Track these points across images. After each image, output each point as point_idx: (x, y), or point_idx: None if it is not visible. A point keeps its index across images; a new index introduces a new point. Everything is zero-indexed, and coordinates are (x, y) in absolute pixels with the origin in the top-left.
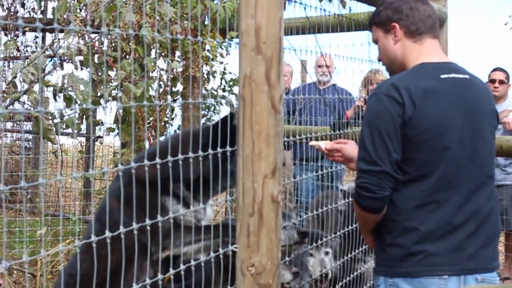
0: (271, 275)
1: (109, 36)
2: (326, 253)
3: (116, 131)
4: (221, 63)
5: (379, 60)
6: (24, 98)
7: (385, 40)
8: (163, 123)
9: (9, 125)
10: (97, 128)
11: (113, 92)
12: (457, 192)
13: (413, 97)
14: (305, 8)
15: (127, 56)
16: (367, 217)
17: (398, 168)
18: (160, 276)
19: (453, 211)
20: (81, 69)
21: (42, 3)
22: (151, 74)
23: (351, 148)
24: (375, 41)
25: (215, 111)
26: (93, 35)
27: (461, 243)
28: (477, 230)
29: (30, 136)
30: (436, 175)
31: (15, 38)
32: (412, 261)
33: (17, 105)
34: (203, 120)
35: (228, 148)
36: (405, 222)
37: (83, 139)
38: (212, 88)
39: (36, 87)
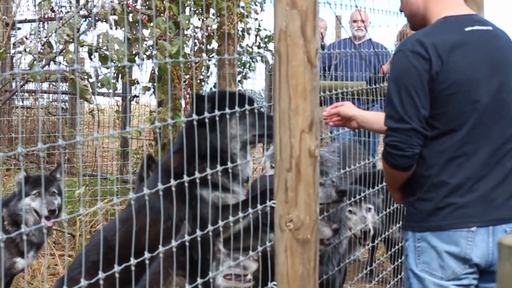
0: (309, 230)
1: None
2: (368, 209)
3: (152, 89)
4: (256, 19)
5: (401, 11)
6: (60, 58)
7: None
8: (198, 81)
9: (45, 86)
10: (133, 87)
11: (148, 51)
12: (486, 143)
13: (439, 52)
14: None
15: (162, 14)
16: (397, 175)
17: (426, 124)
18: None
19: (481, 162)
20: (116, 28)
21: None
22: (185, 32)
23: (347, 109)
24: None
25: (251, 68)
26: None
27: (490, 193)
28: (505, 180)
29: (66, 97)
30: (466, 128)
31: None
32: (441, 215)
33: (52, 66)
34: (238, 77)
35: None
36: (435, 176)
37: (119, 99)
38: (247, 45)
39: (71, 47)
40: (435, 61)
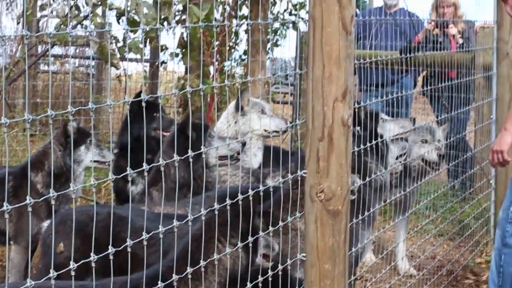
0: (340, 201)
1: None
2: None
3: (180, 55)
4: None
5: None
6: (87, 22)
7: None
8: (228, 48)
9: (71, 51)
10: (161, 53)
11: (177, 15)
12: None
13: None
14: None
15: None
16: None
17: None
18: None
19: None
20: None
21: None
22: None
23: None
24: None
25: (281, 35)
26: None
27: None
28: None
29: (93, 62)
30: None
31: None
32: None
33: (80, 31)
34: (268, 45)
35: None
36: None
37: (147, 65)
38: (278, 11)
39: (99, 11)
40: None
